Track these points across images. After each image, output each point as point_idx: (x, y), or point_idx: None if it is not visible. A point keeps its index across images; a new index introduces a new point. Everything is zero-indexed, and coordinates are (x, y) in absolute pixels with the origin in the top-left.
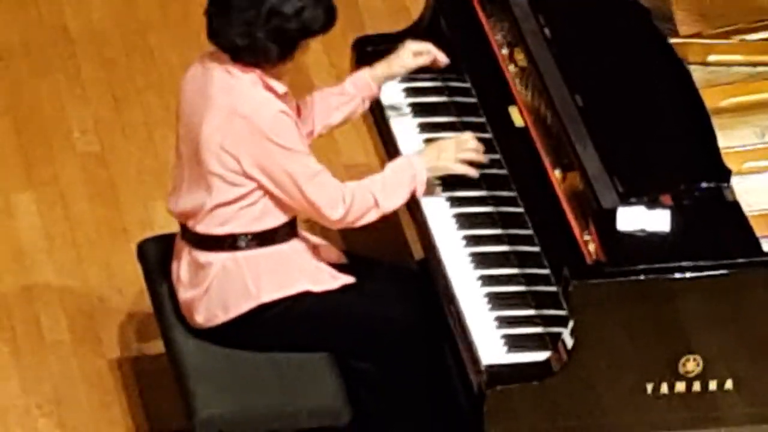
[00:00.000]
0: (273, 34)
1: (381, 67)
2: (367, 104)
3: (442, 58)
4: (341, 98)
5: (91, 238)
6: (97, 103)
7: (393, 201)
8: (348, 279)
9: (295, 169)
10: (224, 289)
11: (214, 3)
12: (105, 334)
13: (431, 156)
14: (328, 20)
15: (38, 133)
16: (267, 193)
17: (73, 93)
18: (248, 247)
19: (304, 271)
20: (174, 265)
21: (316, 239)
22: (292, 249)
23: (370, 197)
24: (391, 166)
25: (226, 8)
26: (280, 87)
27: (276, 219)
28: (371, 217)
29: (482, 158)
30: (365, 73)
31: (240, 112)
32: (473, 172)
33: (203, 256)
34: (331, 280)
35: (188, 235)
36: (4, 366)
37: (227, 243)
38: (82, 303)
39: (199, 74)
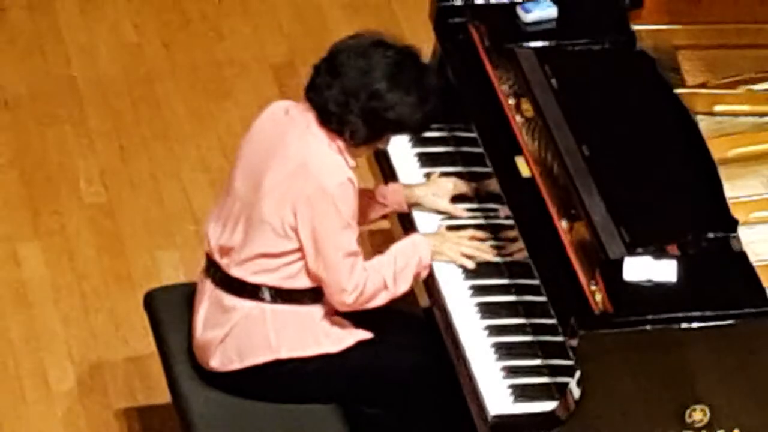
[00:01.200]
0: (367, 114)
1: (419, 192)
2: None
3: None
4: (371, 202)
5: (98, 288)
6: (103, 153)
7: (402, 285)
8: (365, 335)
9: (341, 241)
10: (244, 336)
11: (327, 60)
12: (111, 384)
13: (435, 241)
14: (421, 126)
15: (45, 182)
16: (304, 256)
17: (79, 143)
18: (273, 300)
19: (327, 334)
20: (195, 303)
21: None
22: (317, 312)
23: (380, 279)
24: (398, 248)
25: (335, 70)
26: (351, 161)
27: (307, 281)
28: (381, 299)
29: (485, 256)
30: (401, 190)
31: (310, 167)
32: (470, 264)
33: (228, 299)
34: (349, 337)
35: (218, 274)
36: (10, 416)
37: (253, 292)
38: (89, 353)
39: (279, 119)
